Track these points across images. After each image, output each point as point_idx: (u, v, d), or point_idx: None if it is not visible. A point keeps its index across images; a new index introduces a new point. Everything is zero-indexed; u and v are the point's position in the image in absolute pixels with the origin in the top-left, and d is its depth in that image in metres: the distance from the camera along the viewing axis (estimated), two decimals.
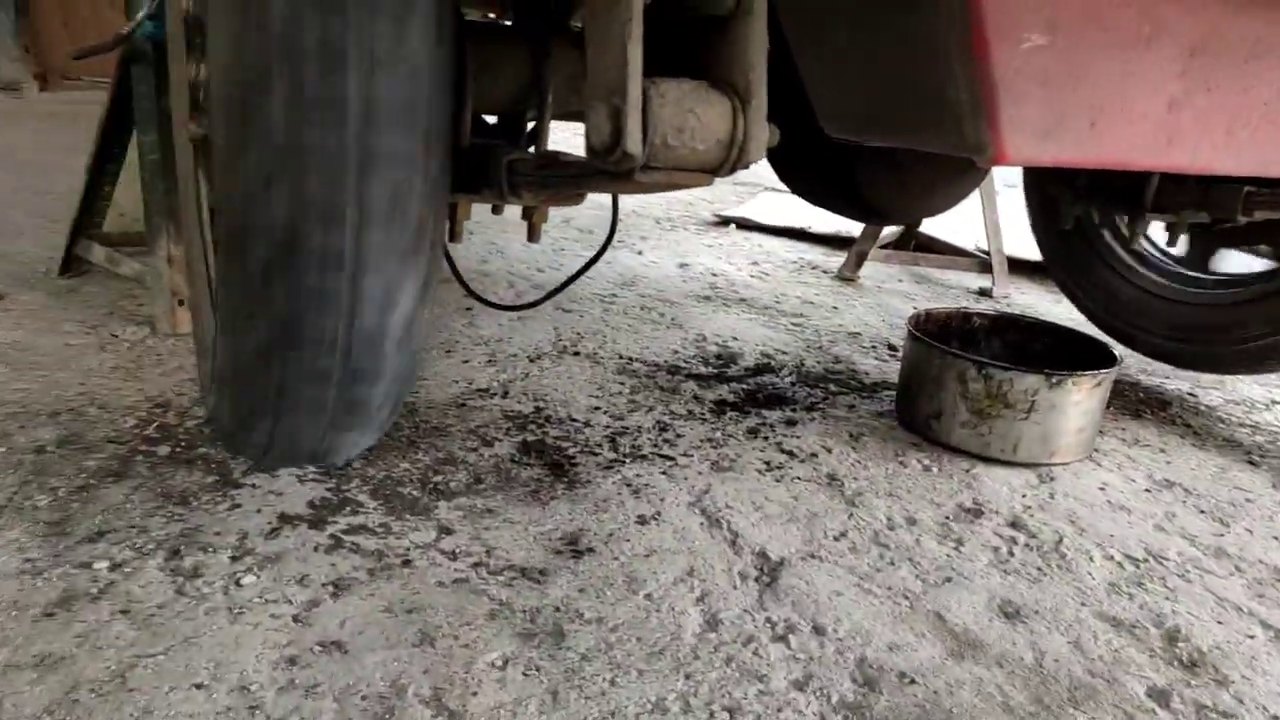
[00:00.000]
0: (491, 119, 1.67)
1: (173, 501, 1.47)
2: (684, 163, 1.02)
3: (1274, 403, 2.53)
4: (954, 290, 3.52)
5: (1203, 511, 1.81)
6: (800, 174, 2.12)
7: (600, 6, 1.02)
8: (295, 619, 1.22)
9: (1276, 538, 1.73)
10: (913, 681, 1.23)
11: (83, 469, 1.55)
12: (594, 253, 1.86)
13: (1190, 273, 2.51)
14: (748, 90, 1.04)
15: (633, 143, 0.96)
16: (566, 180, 1.22)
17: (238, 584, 1.28)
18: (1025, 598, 1.45)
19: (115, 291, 2.46)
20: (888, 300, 3.23)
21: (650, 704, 1.14)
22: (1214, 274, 2.50)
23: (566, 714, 1.11)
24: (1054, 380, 1.87)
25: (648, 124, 0.97)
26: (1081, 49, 1.18)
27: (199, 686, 1.08)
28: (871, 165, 1.93)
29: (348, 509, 1.50)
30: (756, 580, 1.43)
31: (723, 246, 3.89)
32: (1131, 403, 2.42)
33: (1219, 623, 1.44)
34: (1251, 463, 2.09)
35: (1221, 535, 1.72)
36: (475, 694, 1.12)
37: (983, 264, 3.57)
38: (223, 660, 1.13)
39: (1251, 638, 1.41)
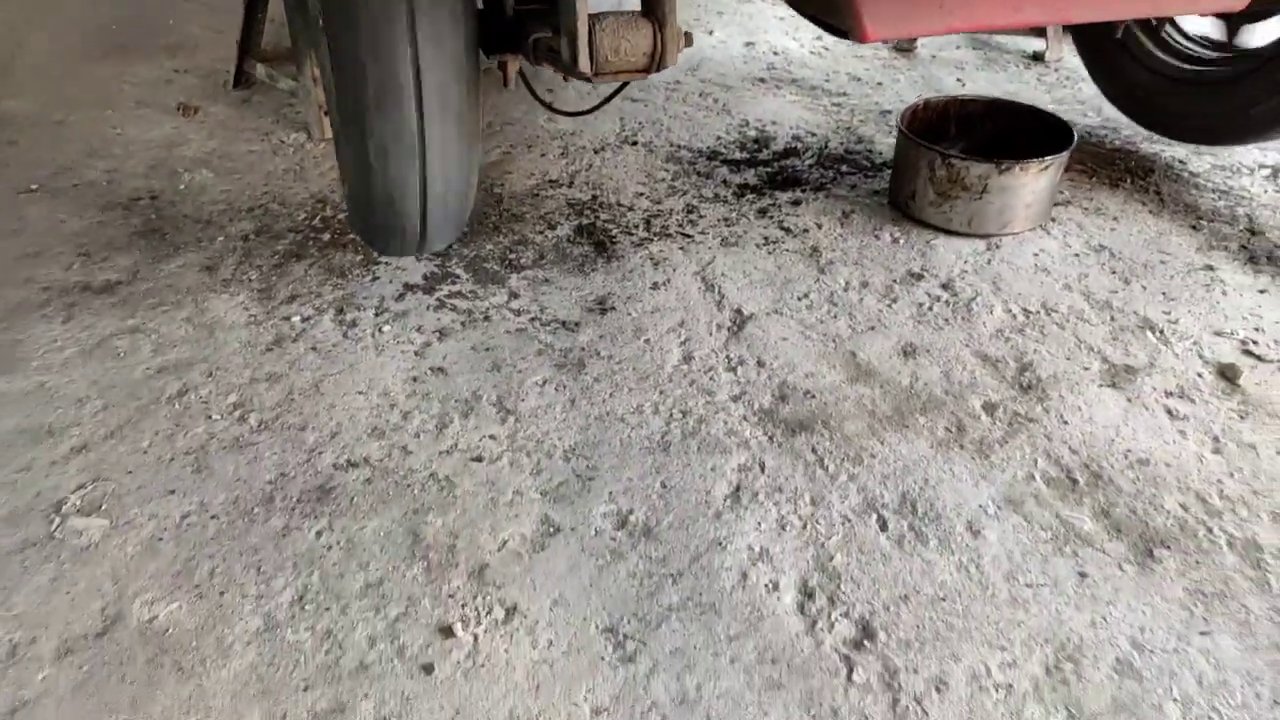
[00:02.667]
0: None
1: (335, 275, 2.18)
2: (622, 68, 1.55)
3: (1262, 166, 2.83)
4: (1008, 55, 3.77)
5: (1114, 272, 2.27)
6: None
7: None
8: (416, 353, 1.93)
9: (1164, 293, 2.19)
10: (813, 397, 1.85)
11: (275, 251, 2.27)
12: None
13: (1202, 52, 2.71)
14: (663, 18, 1.55)
15: (584, 62, 1.51)
16: (562, 65, 1.75)
17: (380, 331, 1.99)
18: (925, 340, 2.01)
19: (277, 101, 3.12)
20: (934, 72, 3.56)
21: (633, 408, 1.80)
22: (1229, 51, 2.69)
23: (579, 412, 1.79)
24: (1003, 167, 2.31)
25: (593, 48, 1.50)
26: None
27: (360, 393, 1.81)
28: None
29: (449, 280, 2.17)
30: (728, 330, 2.04)
31: (793, 18, 4.19)
32: (1119, 171, 2.79)
33: (1067, 359, 1.97)
34: (1194, 227, 2.48)
35: (1115, 291, 2.19)
36: (523, 400, 1.81)
37: (1039, 28, 3.77)
38: (373, 378, 1.85)
39: (1086, 369, 1.94)
